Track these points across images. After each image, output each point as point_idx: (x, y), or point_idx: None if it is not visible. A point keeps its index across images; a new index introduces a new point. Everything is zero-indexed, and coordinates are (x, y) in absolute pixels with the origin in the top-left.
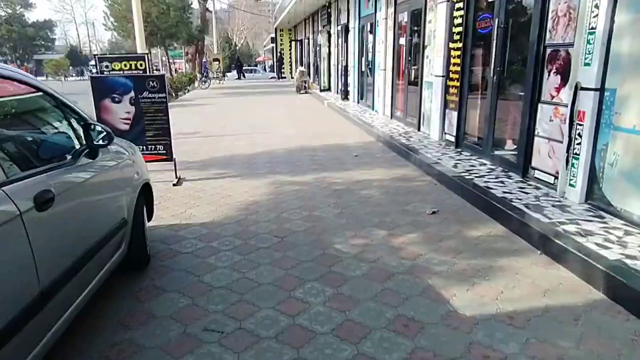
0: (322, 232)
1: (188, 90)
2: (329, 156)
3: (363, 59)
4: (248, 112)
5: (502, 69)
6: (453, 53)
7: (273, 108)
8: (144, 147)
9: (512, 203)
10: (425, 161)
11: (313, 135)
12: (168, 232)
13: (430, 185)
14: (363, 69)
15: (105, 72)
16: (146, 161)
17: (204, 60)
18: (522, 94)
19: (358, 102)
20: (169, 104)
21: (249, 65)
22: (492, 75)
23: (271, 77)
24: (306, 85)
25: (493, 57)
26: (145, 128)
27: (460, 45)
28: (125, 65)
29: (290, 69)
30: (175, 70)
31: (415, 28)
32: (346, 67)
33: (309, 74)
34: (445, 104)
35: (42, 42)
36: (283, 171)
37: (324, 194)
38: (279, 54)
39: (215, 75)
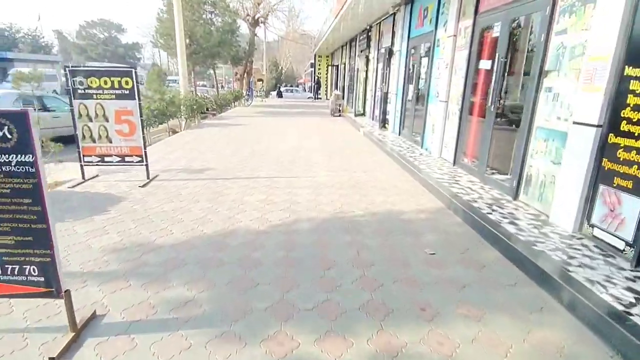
0: None
1: (234, 106)
2: (383, 248)
3: (411, 86)
4: (278, 138)
5: None
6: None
7: (306, 133)
8: None
9: None
10: (623, 328)
11: (353, 187)
12: None
13: None
14: (409, 98)
15: (79, 91)
16: (3, 296)
17: (250, 79)
18: None
19: (399, 134)
20: (204, 121)
21: (291, 86)
22: None
23: (308, 97)
24: (340, 108)
25: None
26: None
27: None
28: (105, 83)
29: (326, 91)
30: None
31: (517, 45)
32: (386, 93)
33: (343, 98)
34: (599, 175)
35: (131, 61)
36: (302, 307)
37: None
38: (316, 77)
39: (258, 94)
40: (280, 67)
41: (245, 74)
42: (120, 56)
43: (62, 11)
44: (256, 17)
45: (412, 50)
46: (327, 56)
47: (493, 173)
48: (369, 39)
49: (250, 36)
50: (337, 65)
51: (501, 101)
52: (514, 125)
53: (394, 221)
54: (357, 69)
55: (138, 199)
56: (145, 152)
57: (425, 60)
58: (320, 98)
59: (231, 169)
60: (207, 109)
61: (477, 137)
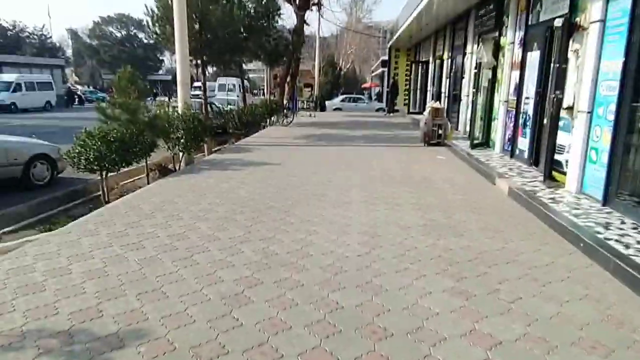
0: None
1: (264, 126)
2: None
3: None
4: (325, 218)
5: None
6: None
7: (384, 195)
8: None
9: None
10: None
11: None
12: None
13: None
14: None
15: None
16: None
17: (294, 86)
18: None
19: (621, 210)
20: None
21: (350, 93)
22: None
23: (378, 109)
24: (442, 132)
25: None
26: None
27: None
28: None
29: (406, 100)
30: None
31: None
32: (559, 110)
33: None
34: None
35: (151, 64)
36: None
37: None
38: (392, 80)
39: (304, 106)
40: (338, 68)
41: (290, 78)
42: (138, 58)
43: (76, 7)
44: None
45: None
46: (409, 49)
47: None
48: (499, 11)
49: (297, 23)
50: (426, 62)
51: None
52: None
53: None
54: (479, 64)
55: None
56: None
57: None
58: (398, 110)
59: None
60: (225, 130)
61: None
